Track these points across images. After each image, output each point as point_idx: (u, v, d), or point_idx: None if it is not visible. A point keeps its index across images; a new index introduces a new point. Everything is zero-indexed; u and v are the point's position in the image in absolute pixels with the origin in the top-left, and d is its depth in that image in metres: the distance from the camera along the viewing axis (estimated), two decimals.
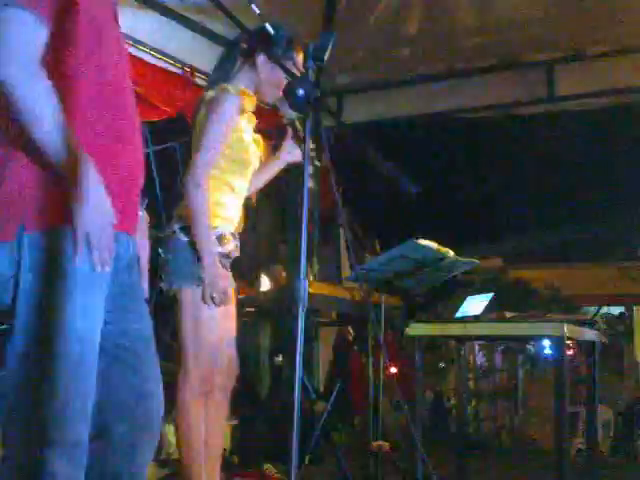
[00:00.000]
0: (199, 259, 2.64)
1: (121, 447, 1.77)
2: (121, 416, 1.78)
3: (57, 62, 1.63)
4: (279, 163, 3.05)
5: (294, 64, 2.61)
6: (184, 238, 2.68)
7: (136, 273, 1.86)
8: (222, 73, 2.82)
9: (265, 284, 4.20)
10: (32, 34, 1.58)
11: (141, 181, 1.83)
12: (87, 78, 1.68)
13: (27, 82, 1.56)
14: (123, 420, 1.77)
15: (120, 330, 1.78)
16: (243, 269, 4.01)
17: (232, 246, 2.79)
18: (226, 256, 2.76)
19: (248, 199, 2.97)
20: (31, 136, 1.57)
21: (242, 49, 2.84)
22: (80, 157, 1.58)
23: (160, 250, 2.75)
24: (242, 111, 2.77)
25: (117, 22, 1.83)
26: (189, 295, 2.68)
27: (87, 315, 1.65)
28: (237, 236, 2.85)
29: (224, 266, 2.74)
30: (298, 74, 2.21)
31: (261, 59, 2.78)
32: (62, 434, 1.60)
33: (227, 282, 2.71)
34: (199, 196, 2.65)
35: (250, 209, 3.13)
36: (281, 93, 2.43)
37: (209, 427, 2.77)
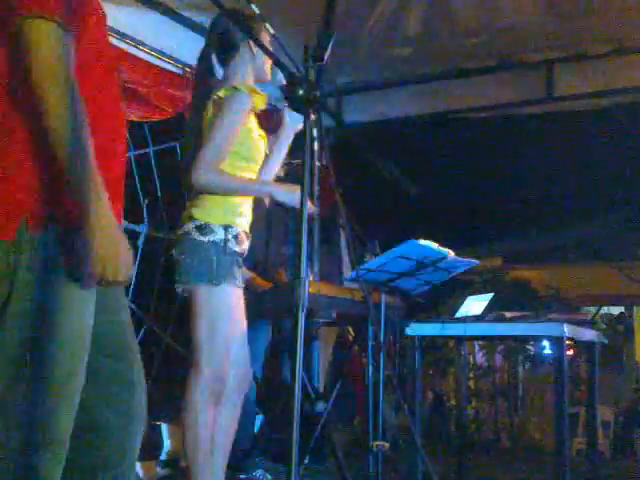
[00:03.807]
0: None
1: (113, 437, 1.79)
2: (112, 406, 1.79)
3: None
4: (285, 137, 2.99)
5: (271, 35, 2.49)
6: (200, 237, 2.66)
7: None
8: (212, 76, 2.81)
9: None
10: (62, 46, 1.55)
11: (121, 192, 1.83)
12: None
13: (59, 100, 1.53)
14: (114, 410, 1.79)
15: (105, 322, 1.78)
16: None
17: (246, 246, 2.78)
18: (241, 255, 2.75)
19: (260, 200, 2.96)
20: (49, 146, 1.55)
21: (228, 50, 2.83)
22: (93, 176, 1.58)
23: (174, 251, 2.73)
24: (252, 109, 2.77)
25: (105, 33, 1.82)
26: (205, 294, 2.67)
27: (83, 316, 1.66)
28: (249, 235, 2.83)
29: (239, 265, 2.74)
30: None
31: (251, 43, 2.77)
32: (49, 433, 1.61)
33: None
34: (211, 177, 2.65)
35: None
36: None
37: (223, 428, 2.75)
